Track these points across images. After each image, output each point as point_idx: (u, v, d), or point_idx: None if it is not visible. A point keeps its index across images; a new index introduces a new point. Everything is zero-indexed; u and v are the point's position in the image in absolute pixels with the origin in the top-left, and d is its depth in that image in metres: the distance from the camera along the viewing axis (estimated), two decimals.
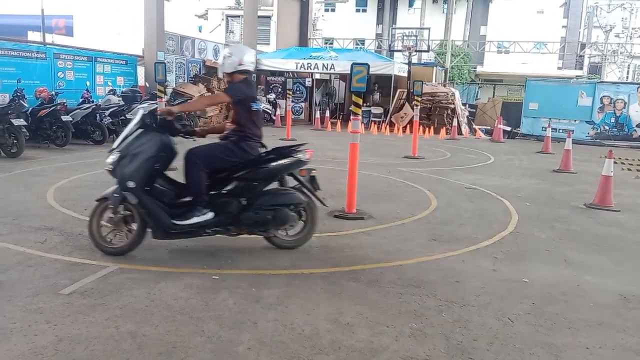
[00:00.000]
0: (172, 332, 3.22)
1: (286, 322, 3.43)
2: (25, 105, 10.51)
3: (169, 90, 15.72)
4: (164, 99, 9.29)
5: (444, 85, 22.70)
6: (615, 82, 21.20)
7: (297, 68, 21.22)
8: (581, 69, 41.25)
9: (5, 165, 8.73)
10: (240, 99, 4.66)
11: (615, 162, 7.83)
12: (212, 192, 4.55)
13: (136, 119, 4.56)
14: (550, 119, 17.45)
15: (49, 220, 5.54)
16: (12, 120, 9.45)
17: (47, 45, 14.06)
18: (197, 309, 3.55)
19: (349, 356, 3.04)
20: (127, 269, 4.22)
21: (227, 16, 36.03)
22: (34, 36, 19.73)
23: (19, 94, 10.51)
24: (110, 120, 12.12)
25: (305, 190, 4.80)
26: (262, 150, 4.81)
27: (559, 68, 40.87)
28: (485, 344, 3.24)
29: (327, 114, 20.55)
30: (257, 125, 4.77)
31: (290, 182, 4.85)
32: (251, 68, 4.77)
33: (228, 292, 3.87)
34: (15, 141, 9.54)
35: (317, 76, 22.82)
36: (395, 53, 22.30)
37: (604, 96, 17.55)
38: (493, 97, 25.75)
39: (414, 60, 21.04)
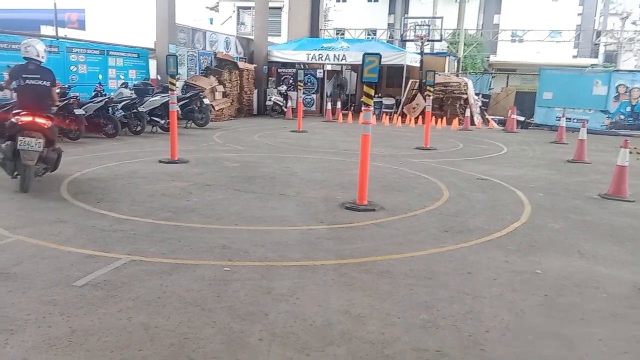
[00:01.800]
0: (184, 323, 3.25)
1: (297, 313, 3.44)
2: None
3: (181, 83, 15.78)
4: (175, 92, 9.31)
5: (457, 75, 22.50)
6: (631, 71, 20.83)
7: (308, 59, 21.16)
8: (596, 57, 40.65)
9: None
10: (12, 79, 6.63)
11: (630, 152, 7.71)
12: None
13: None
14: (564, 108, 17.23)
15: (62, 213, 5.59)
16: None
17: (60, 39, 14.16)
18: (208, 301, 3.57)
19: (360, 347, 3.04)
20: (140, 261, 4.26)
21: (238, 8, 36.01)
22: (46, 30, 19.86)
23: None
24: (123, 113, 12.17)
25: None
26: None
27: (573, 57, 40.32)
28: (497, 336, 3.22)
29: (339, 105, 20.49)
30: (20, 98, 6.66)
31: None
32: (25, 55, 6.57)
33: (239, 283, 3.89)
34: None
35: (329, 67, 22.74)
36: (408, 43, 22.24)
37: (619, 85, 17.27)
38: (506, 86, 25.55)
39: (427, 50, 20.94)
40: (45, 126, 6.48)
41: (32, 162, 6.33)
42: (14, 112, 6.48)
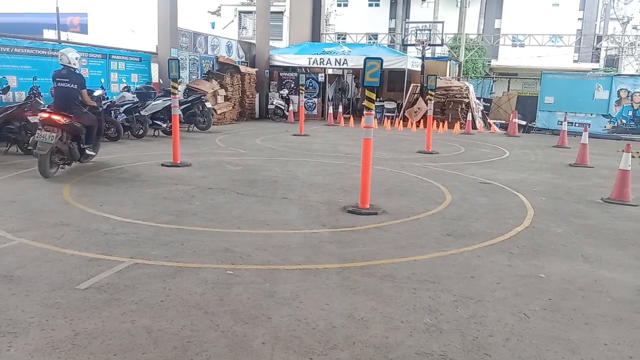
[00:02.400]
0: (187, 326, 3.24)
1: (300, 317, 3.43)
2: (42, 102, 10.58)
3: (183, 87, 15.80)
4: (177, 96, 9.32)
5: (458, 80, 22.51)
6: (632, 75, 20.84)
7: (309, 63, 21.18)
8: (598, 61, 40.68)
9: (22, 162, 8.83)
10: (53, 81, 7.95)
11: (633, 156, 7.72)
12: None
13: None
14: (566, 112, 17.24)
15: (65, 216, 5.60)
16: (28, 117, 9.55)
17: (62, 43, 14.19)
18: (211, 304, 3.57)
19: (363, 351, 3.03)
20: (143, 264, 4.26)
21: (240, 12, 36.11)
22: (49, 34, 19.94)
23: (35, 91, 10.60)
24: (125, 117, 12.19)
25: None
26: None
27: (574, 61, 40.35)
28: (501, 340, 3.21)
29: (340, 109, 20.49)
30: (54, 98, 8.13)
31: None
32: (61, 62, 7.85)
33: (242, 287, 3.88)
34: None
35: (330, 71, 22.76)
36: (409, 47, 22.18)
37: (621, 89, 17.29)
38: (508, 91, 25.52)
39: (428, 54, 20.94)
40: (60, 122, 7.49)
41: (44, 152, 7.39)
42: (41, 109, 8.16)
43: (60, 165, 7.87)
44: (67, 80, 7.75)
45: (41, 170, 7.49)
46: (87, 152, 8.18)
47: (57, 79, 7.77)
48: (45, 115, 7.50)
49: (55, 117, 7.46)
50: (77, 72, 8.00)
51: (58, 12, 17.37)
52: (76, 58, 7.92)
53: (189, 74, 17.50)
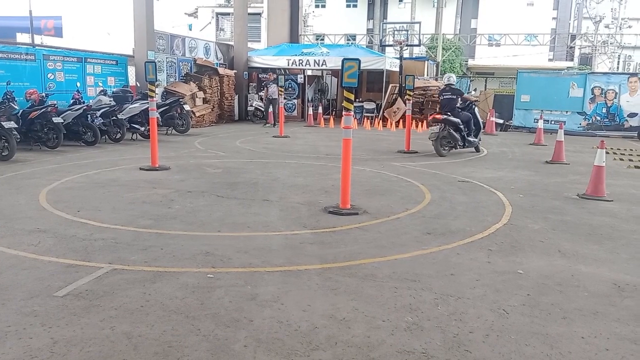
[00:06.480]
0: (168, 331, 3.21)
1: (282, 319, 3.43)
2: (16, 107, 10.43)
3: (160, 90, 15.67)
4: (155, 99, 9.24)
5: (436, 79, 22.70)
6: (605, 73, 21.22)
7: (288, 65, 21.15)
8: (572, 60, 41.41)
9: None
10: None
11: (607, 152, 7.87)
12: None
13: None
14: (542, 110, 17.49)
15: (41, 223, 5.51)
16: (2, 122, 9.38)
17: (37, 47, 13.96)
18: (192, 308, 3.54)
19: (345, 352, 3.04)
20: (122, 270, 4.21)
21: (217, 14, 35.94)
22: (22, 38, 19.60)
23: (9, 96, 10.42)
24: (102, 121, 12.05)
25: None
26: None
27: (549, 60, 41.04)
28: (481, 336, 3.25)
29: (320, 110, 20.51)
30: (440, 105, 12.06)
31: None
32: (445, 83, 12.10)
33: (223, 290, 3.86)
34: (6, 144, 9.47)
35: (309, 72, 22.77)
36: (387, 48, 22.31)
37: (595, 87, 17.59)
38: (485, 90, 25.80)
39: (406, 54, 21.08)
40: (440, 118, 11.26)
41: (434, 139, 11.37)
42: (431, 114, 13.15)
43: (448, 148, 11.40)
44: (450, 93, 11.48)
45: (436, 151, 11.30)
46: (468, 138, 11.47)
47: (443, 93, 11.58)
48: (438, 116, 11.32)
49: (437, 116, 11.28)
50: (455, 87, 11.86)
51: (31, 16, 17.08)
52: (453, 79, 12.11)
53: (166, 76, 17.35)
